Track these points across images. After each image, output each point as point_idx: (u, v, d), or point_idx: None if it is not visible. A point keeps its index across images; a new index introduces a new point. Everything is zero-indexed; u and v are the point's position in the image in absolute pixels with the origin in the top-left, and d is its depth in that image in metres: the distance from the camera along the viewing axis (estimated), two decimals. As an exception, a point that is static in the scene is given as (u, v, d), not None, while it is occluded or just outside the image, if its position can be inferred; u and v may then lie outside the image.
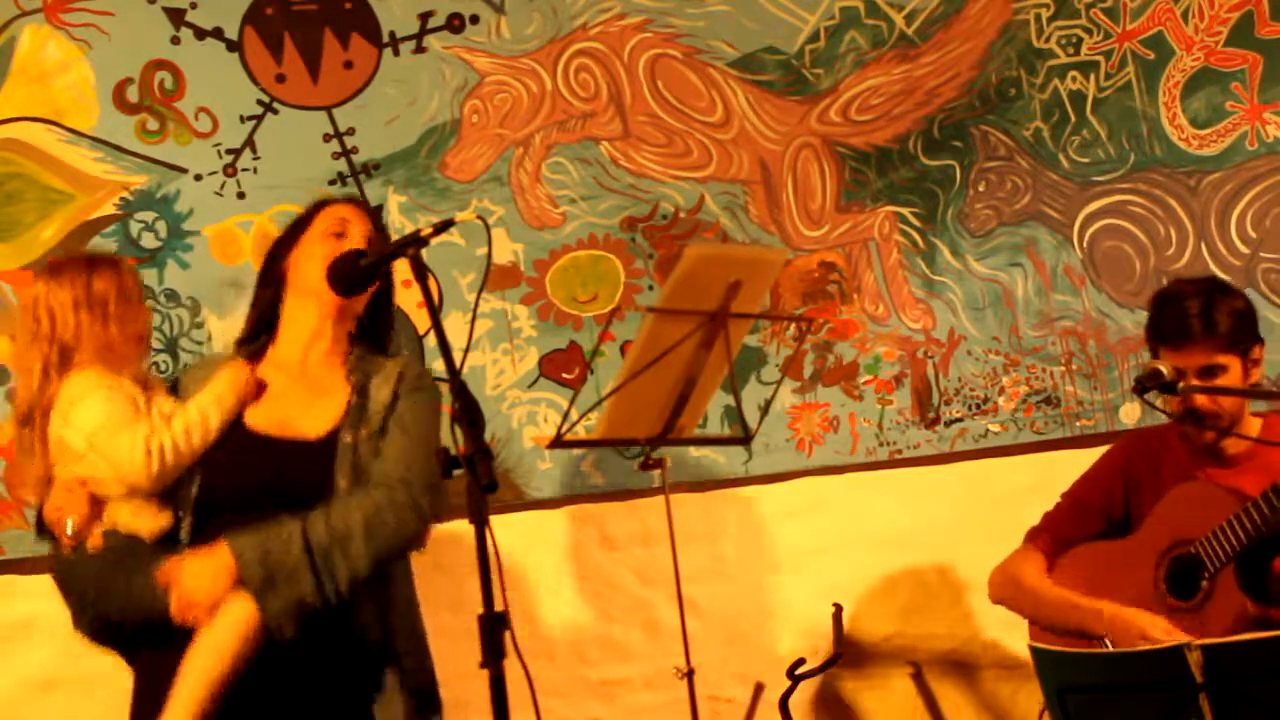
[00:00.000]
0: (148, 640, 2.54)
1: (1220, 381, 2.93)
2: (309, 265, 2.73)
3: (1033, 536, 3.24)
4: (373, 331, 2.85)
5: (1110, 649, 3.03)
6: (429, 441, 2.67)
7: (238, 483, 2.59)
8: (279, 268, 2.79)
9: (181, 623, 2.48)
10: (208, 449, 2.61)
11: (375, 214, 2.91)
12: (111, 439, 2.55)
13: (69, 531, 2.54)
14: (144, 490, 2.57)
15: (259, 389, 2.70)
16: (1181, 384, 2.90)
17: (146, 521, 2.58)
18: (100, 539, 2.55)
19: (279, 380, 2.73)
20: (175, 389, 2.75)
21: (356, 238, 2.75)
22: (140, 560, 2.53)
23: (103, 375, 2.60)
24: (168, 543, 2.58)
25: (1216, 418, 2.98)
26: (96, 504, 2.57)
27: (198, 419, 2.61)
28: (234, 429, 2.64)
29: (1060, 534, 3.20)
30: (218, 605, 2.47)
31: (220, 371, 2.68)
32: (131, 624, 2.54)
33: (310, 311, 2.75)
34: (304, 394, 2.71)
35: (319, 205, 2.84)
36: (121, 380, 2.63)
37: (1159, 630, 2.90)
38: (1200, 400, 2.96)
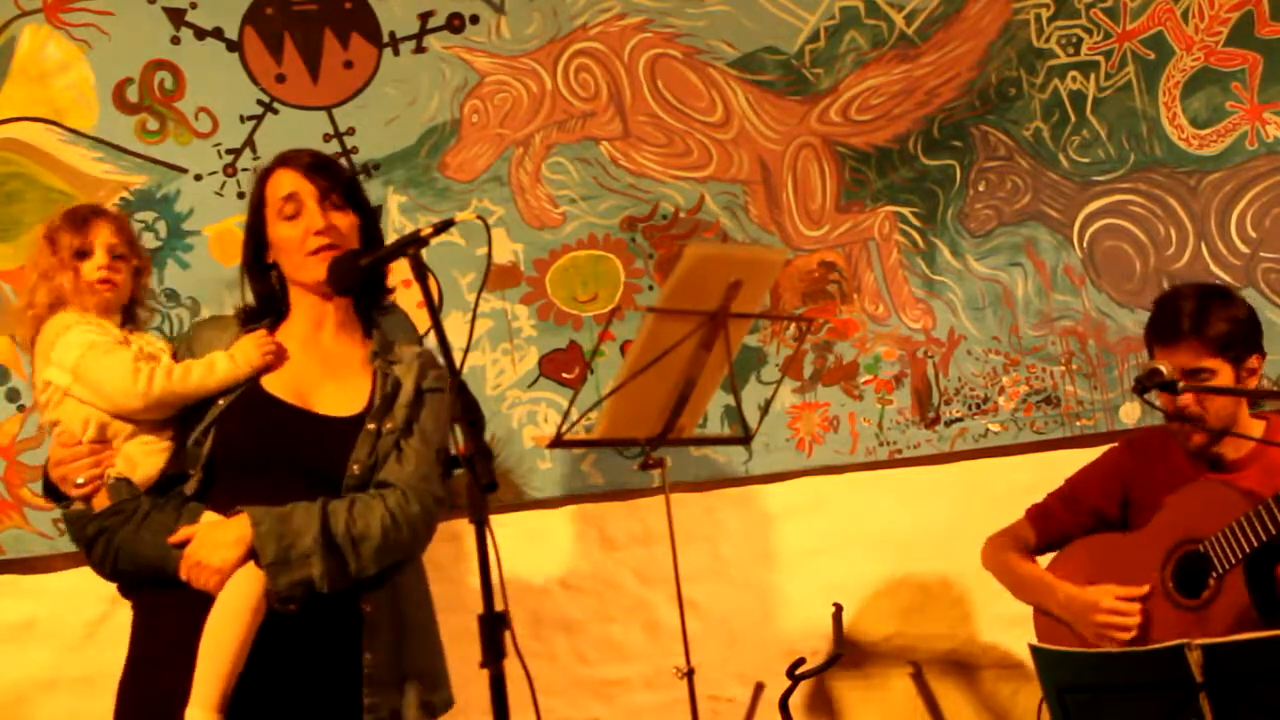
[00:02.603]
0: (156, 585, 2.57)
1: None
2: (285, 256, 2.70)
3: (1030, 515, 3.27)
4: (369, 293, 2.82)
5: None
6: (443, 448, 2.71)
7: (253, 444, 2.60)
8: (264, 259, 2.75)
9: (187, 583, 2.51)
10: (224, 409, 2.61)
11: (324, 160, 2.78)
12: (96, 363, 2.56)
13: (78, 482, 2.57)
14: (133, 413, 2.58)
15: (280, 357, 2.68)
16: (1181, 384, 2.91)
17: (139, 465, 2.59)
18: (106, 495, 2.57)
19: (295, 353, 2.72)
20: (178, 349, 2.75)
21: (310, 205, 2.67)
22: (156, 519, 2.56)
23: (81, 314, 2.62)
24: (171, 496, 2.59)
25: (1200, 420, 2.97)
26: (102, 454, 2.59)
27: (204, 362, 2.62)
28: (254, 392, 2.64)
29: (1053, 522, 3.22)
30: (228, 572, 2.49)
31: (243, 338, 2.68)
32: (142, 576, 2.58)
33: (307, 296, 2.73)
34: (320, 370, 2.70)
35: (262, 179, 2.75)
36: (101, 320, 2.64)
37: (1109, 600, 2.98)
38: (1185, 400, 2.97)
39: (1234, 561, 2.86)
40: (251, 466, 2.59)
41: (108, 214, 2.73)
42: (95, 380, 2.56)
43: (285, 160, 2.75)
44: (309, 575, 2.51)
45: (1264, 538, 2.80)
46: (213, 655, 2.45)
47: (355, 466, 2.61)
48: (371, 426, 2.64)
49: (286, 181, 2.70)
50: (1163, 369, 2.92)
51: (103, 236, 2.66)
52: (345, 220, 2.70)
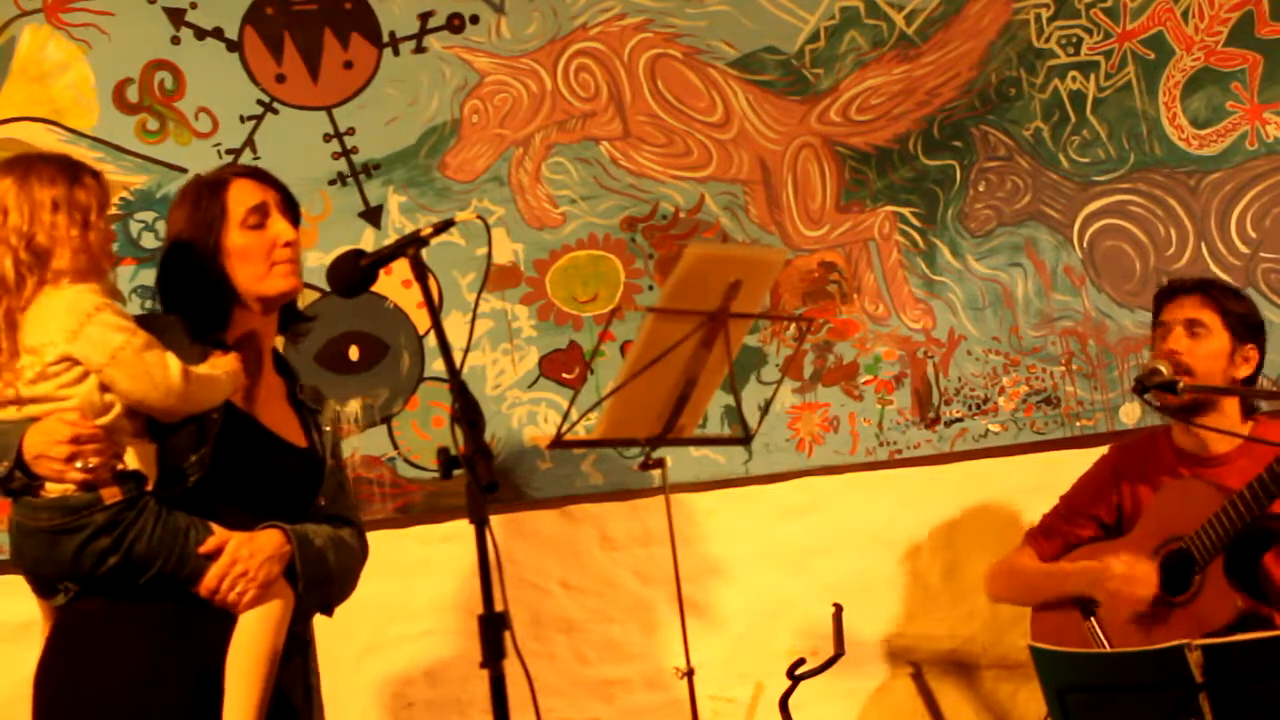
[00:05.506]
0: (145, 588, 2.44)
1: (1201, 344, 3.05)
2: (246, 267, 2.59)
3: (1029, 538, 3.31)
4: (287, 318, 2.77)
5: (1100, 633, 3.07)
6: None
7: (248, 464, 2.54)
8: (217, 265, 2.60)
9: (207, 592, 2.42)
10: (219, 424, 2.51)
11: (276, 179, 2.69)
12: (140, 355, 2.41)
13: (80, 467, 2.37)
14: (164, 411, 2.43)
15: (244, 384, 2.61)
16: (1181, 384, 2.93)
17: (146, 462, 2.45)
18: (118, 488, 2.40)
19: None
20: None
21: (276, 215, 2.61)
22: (170, 521, 2.42)
23: (109, 298, 2.47)
24: (172, 501, 2.48)
25: (1188, 370, 3.02)
26: (113, 443, 2.42)
27: (216, 375, 2.50)
28: (236, 410, 2.57)
29: (1054, 536, 3.26)
30: (268, 585, 2.44)
31: (225, 358, 2.57)
32: (148, 576, 2.43)
33: (255, 316, 2.64)
34: (267, 396, 2.66)
35: (219, 190, 2.62)
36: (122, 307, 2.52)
37: (1120, 565, 3.03)
38: (1176, 345, 3.05)
39: (1212, 554, 2.91)
40: (240, 485, 2.53)
41: (100, 175, 2.58)
42: (144, 370, 2.40)
43: (242, 172, 2.68)
44: (328, 599, 2.55)
45: (1237, 526, 2.85)
46: (256, 675, 2.40)
47: (322, 499, 2.62)
48: (330, 464, 2.66)
49: (253, 191, 2.62)
50: (1162, 368, 2.95)
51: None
52: (300, 240, 2.67)
